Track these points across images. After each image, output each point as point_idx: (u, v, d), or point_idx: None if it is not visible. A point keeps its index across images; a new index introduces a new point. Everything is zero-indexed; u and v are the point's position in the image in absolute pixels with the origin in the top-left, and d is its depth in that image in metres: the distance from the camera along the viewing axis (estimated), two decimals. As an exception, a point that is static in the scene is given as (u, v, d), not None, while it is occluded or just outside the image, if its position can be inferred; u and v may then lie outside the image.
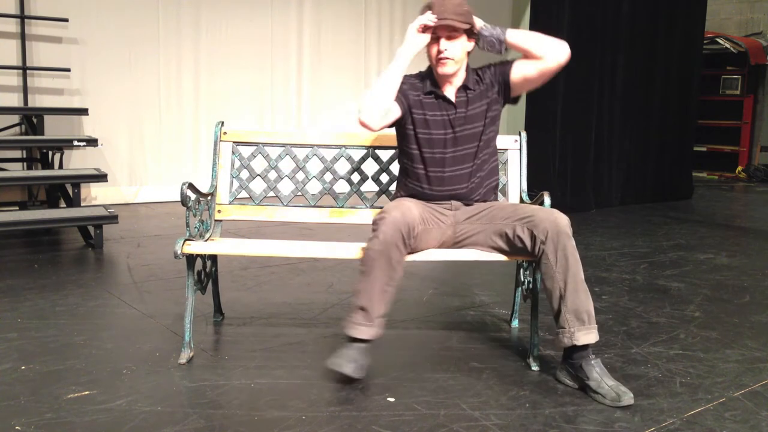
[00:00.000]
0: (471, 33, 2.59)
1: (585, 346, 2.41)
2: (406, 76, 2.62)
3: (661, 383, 2.52)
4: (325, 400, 2.32)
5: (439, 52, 2.54)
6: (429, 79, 2.66)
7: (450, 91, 2.64)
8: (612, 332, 3.07)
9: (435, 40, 2.56)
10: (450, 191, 2.64)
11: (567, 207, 6.33)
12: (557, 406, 2.31)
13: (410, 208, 2.48)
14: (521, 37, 2.60)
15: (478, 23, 2.62)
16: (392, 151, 2.97)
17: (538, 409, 2.29)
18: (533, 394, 2.41)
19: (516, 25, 8.74)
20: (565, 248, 2.41)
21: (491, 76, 2.66)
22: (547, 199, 2.56)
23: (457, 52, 2.56)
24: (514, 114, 8.53)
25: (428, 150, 2.62)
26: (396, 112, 2.60)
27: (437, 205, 2.65)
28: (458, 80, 2.64)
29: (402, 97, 2.61)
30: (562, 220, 2.46)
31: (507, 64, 2.65)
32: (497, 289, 3.72)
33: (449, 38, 2.55)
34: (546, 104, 6.41)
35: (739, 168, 9.85)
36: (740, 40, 9.72)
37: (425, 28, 2.55)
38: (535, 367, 2.61)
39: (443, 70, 2.57)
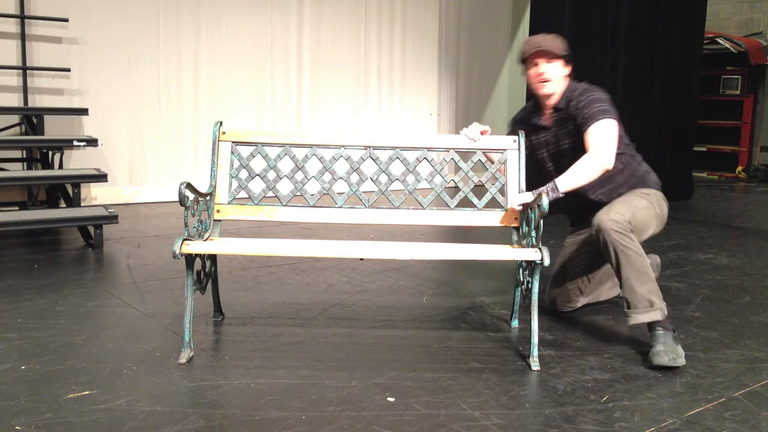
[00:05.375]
0: (567, 59, 2.99)
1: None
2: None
3: (661, 383, 2.52)
4: (325, 400, 2.32)
5: (539, 74, 2.96)
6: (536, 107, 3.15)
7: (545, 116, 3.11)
8: (612, 332, 3.07)
9: (533, 65, 2.98)
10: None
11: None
12: (557, 406, 2.31)
13: None
14: (572, 183, 2.80)
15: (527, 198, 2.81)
16: (391, 151, 2.98)
17: (538, 409, 2.29)
18: (533, 394, 2.42)
19: (516, 25, 8.75)
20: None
21: (573, 113, 2.94)
22: (545, 199, 2.55)
23: (551, 74, 2.96)
24: (513, 114, 8.55)
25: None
26: None
27: None
28: (552, 107, 3.06)
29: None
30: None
31: (584, 124, 2.86)
32: (497, 289, 3.72)
33: (548, 62, 2.95)
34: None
35: (739, 168, 9.84)
36: (740, 40, 9.71)
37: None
38: (535, 367, 2.61)
39: (543, 90, 2.99)
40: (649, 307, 2.68)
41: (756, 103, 9.85)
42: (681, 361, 2.60)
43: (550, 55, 2.93)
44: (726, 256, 4.68)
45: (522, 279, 2.90)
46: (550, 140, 3.10)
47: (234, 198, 2.94)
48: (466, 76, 8.56)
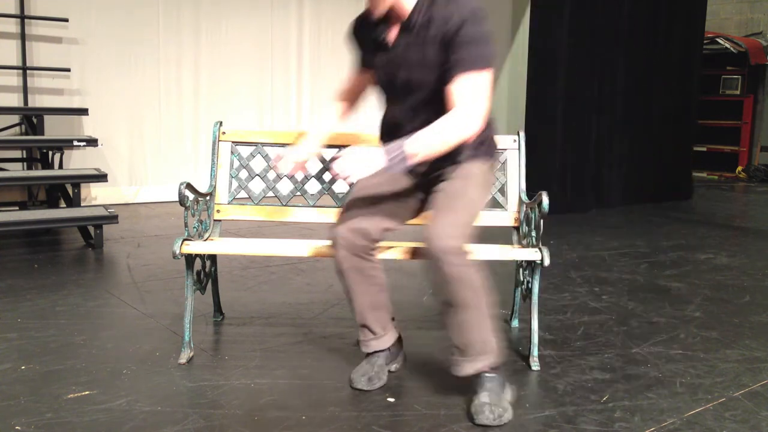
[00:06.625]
0: None
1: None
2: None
3: (661, 383, 2.52)
4: (325, 400, 2.32)
5: None
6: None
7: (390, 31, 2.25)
8: (612, 332, 3.07)
9: None
10: None
11: (567, 207, 6.39)
12: (557, 406, 2.31)
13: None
14: (427, 150, 2.08)
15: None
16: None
17: (538, 409, 2.29)
18: (533, 394, 2.41)
19: (516, 25, 8.74)
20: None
21: (438, 38, 2.12)
22: (545, 199, 2.55)
23: None
24: (514, 113, 8.53)
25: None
26: None
27: None
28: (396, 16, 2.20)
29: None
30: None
31: (458, 66, 2.10)
32: (497, 289, 3.70)
33: None
34: (546, 104, 6.41)
35: (739, 168, 9.84)
36: (740, 40, 9.71)
37: None
38: (535, 367, 2.61)
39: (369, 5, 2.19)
40: (484, 353, 2.20)
41: (756, 103, 9.85)
42: (507, 417, 2.15)
43: None
44: (726, 256, 4.68)
45: (522, 279, 2.91)
46: (392, 63, 2.23)
47: (234, 198, 2.94)
48: (466, 76, 8.55)
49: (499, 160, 2.50)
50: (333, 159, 2.83)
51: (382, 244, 2.39)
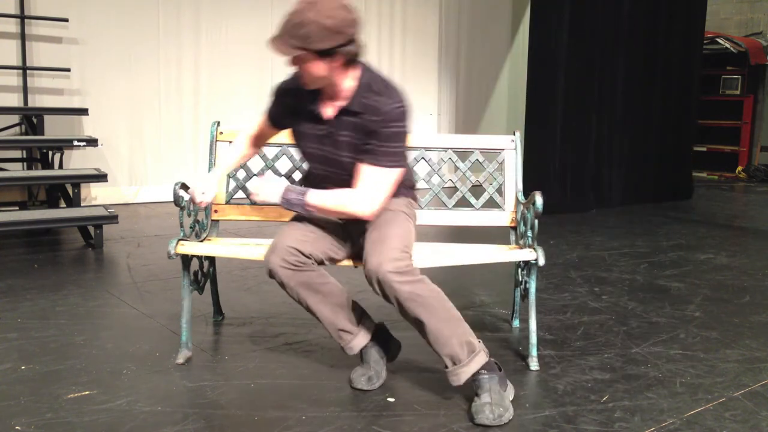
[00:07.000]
0: (326, 53, 2.14)
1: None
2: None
3: (661, 383, 2.52)
4: (325, 400, 2.32)
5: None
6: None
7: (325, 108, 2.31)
8: (612, 332, 3.07)
9: None
10: None
11: (567, 207, 6.40)
12: (557, 406, 2.31)
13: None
14: (323, 206, 2.28)
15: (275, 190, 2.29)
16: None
17: (538, 409, 2.29)
18: (533, 394, 2.42)
19: (516, 25, 8.75)
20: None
21: (366, 126, 2.23)
22: (538, 199, 2.54)
23: (306, 72, 2.19)
24: (514, 113, 8.54)
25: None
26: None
27: None
28: (337, 99, 2.28)
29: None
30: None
31: (372, 154, 2.22)
32: (497, 289, 3.72)
33: (292, 62, 2.18)
34: (546, 104, 6.41)
35: (739, 168, 9.84)
36: (740, 40, 9.71)
37: None
38: (535, 367, 2.61)
39: (308, 87, 2.27)
40: (472, 353, 2.24)
41: (756, 103, 9.85)
42: (507, 417, 2.18)
43: (286, 55, 2.15)
44: (726, 256, 4.68)
45: (521, 279, 2.90)
46: (325, 139, 2.31)
47: (231, 198, 2.94)
48: (466, 76, 8.56)
49: (415, 196, 2.56)
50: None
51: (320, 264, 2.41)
